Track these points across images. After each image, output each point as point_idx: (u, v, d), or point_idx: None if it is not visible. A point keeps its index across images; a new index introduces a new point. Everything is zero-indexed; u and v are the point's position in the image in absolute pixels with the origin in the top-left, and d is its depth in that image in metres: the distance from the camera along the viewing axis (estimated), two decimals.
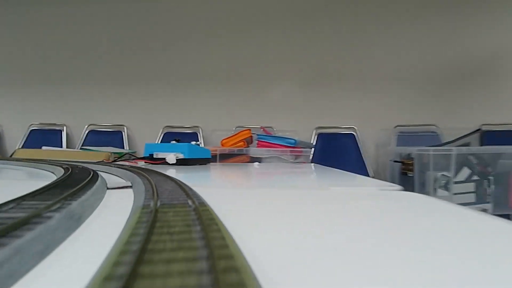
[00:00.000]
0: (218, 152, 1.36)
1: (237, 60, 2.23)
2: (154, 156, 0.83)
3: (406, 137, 2.07)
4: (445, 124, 2.06)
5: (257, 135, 1.68)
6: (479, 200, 1.51)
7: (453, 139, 1.65)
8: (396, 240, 0.22)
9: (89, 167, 0.52)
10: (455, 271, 0.16)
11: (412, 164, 1.60)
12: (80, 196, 0.24)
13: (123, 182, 0.40)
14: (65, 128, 2.22)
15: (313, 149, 2.07)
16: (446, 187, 1.49)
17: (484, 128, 2.08)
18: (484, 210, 1.52)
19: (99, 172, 0.43)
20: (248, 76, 2.23)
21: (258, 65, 2.23)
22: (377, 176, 2.10)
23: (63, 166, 0.53)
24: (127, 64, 2.26)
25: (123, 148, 2.12)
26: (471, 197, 1.51)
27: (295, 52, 2.21)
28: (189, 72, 2.25)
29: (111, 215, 0.26)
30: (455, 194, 1.49)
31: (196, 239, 0.15)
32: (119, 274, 0.10)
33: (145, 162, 0.84)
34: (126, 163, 0.85)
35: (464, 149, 1.50)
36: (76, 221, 0.21)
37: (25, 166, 0.73)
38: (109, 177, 0.48)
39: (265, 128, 2.09)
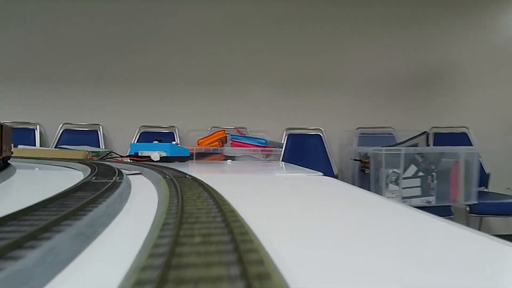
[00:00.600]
0: (194, 151, 1.49)
1: (212, 64, 2.35)
2: (139, 154, 0.95)
3: (366, 138, 2.31)
4: (400, 126, 2.32)
5: (231, 135, 1.83)
6: (424, 193, 1.76)
7: (404, 140, 1.90)
8: (296, 198, 0.38)
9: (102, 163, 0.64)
10: (323, 222, 0.32)
11: (368, 162, 1.83)
12: (122, 180, 0.38)
13: (133, 171, 0.54)
14: (38, 127, 2.23)
15: (282, 148, 2.24)
16: (396, 182, 1.72)
17: (434, 130, 2.37)
18: (428, 202, 1.77)
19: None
20: (222, 80, 2.36)
21: (232, 69, 2.37)
22: (341, 173, 2.32)
23: (87, 164, 0.63)
24: (103, 64, 2.31)
25: (99, 147, 2.18)
26: (417, 191, 1.75)
27: (267, 58, 2.37)
28: (165, 74, 2.34)
29: (143, 188, 0.40)
30: (404, 188, 1.73)
31: (197, 186, 0.29)
32: (173, 211, 0.25)
33: (130, 160, 0.95)
34: (113, 160, 0.96)
35: (411, 149, 1.74)
36: (127, 195, 0.34)
37: (53, 165, 0.80)
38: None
39: (239, 129, 2.24)
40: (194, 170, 0.75)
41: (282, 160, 2.12)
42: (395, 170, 1.72)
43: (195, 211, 0.24)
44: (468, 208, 1.84)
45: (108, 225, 0.25)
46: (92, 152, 1.69)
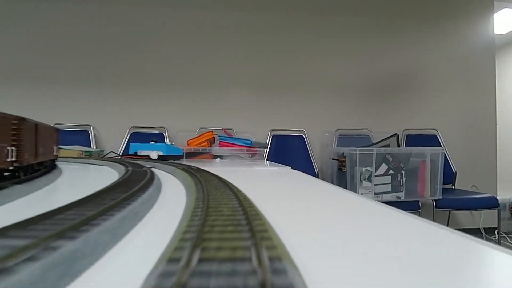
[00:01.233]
0: (185, 151, 1.63)
1: (201, 67, 2.49)
2: (138, 153, 1.08)
3: (344, 139, 2.50)
4: (375, 128, 2.53)
5: (219, 136, 1.98)
6: (394, 189, 1.96)
7: (377, 141, 2.10)
8: (263, 179, 0.54)
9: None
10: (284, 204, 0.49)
11: (345, 161, 2.01)
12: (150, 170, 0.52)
13: (148, 165, 0.68)
14: None
15: (267, 148, 2.41)
16: (369, 179, 1.92)
17: (406, 132, 2.59)
18: (398, 198, 1.98)
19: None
20: (211, 82, 2.50)
21: (220, 73, 2.51)
22: (321, 171, 2.50)
23: (121, 163, 0.75)
24: (94, 65, 2.41)
25: (91, 147, 2.28)
26: (388, 187, 1.95)
27: (253, 62, 2.53)
28: (155, 76, 2.46)
29: (163, 174, 0.55)
30: (376, 184, 1.93)
31: (204, 172, 0.45)
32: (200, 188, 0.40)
33: (131, 158, 1.09)
34: (115, 159, 1.09)
35: (382, 150, 1.94)
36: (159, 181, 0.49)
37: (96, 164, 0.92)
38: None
39: (226, 130, 2.39)
40: (194, 165, 0.90)
41: (267, 159, 2.28)
42: (368, 168, 1.91)
43: (209, 181, 0.40)
44: (434, 203, 2.06)
45: (160, 193, 0.40)
46: (85, 151, 1.80)
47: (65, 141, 2.20)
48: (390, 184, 1.95)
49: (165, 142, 2.24)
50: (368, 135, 2.51)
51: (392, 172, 1.95)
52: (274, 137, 2.52)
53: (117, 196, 0.32)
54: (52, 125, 2.40)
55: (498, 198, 2.73)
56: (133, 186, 0.38)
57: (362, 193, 1.93)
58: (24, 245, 0.16)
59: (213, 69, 2.50)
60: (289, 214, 0.34)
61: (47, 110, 2.35)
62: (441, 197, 2.03)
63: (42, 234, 0.18)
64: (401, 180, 1.97)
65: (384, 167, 1.93)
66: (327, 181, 2.41)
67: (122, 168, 0.60)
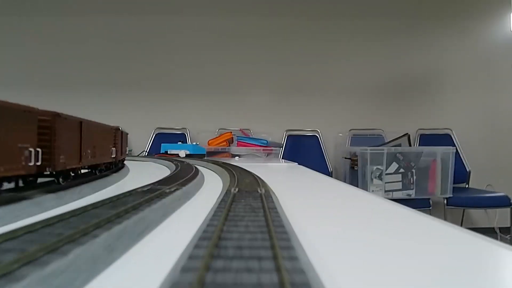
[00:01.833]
0: (206, 150, 1.81)
1: (220, 71, 2.67)
2: (169, 152, 1.26)
3: (358, 138, 2.61)
4: (389, 128, 2.62)
5: (237, 136, 2.15)
6: (404, 187, 2.06)
7: (389, 141, 2.20)
8: (272, 171, 0.70)
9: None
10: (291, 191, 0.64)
11: (357, 160, 2.13)
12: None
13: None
14: None
15: (282, 148, 2.56)
16: (380, 177, 2.03)
17: (420, 132, 2.67)
18: (409, 195, 2.08)
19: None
20: (229, 86, 2.68)
21: (238, 77, 2.68)
22: (335, 170, 2.62)
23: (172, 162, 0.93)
24: (123, 71, 2.64)
25: None
26: (398, 185, 2.06)
27: (269, 67, 2.68)
28: (179, 81, 2.67)
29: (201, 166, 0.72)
30: (387, 182, 2.04)
31: (231, 165, 0.61)
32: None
33: (162, 156, 1.27)
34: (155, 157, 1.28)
35: (392, 149, 2.04)
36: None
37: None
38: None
39: (243, 130, 2.56)
40: (219, 161, 1.08)
41: (282, 158, 2.43)
42: (378, 167, 2.02)
43: (235, 168, 0.56)
44: (445, 201, 2.14)
45: (203, 183, 0.57)
46: None
47: None
48: (401, 182, 2.05)
49: (187, 142, 2.43)
50: (381, 135, 2.61)
51: (403, 170, 2.05)
52: (289, 137, 2.66)
53: (186, 175, 0.49)
54: None
55: None
56: (190, 171, 0.55)
57: (373, 191, 2.04)
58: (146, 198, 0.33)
59: (231, 73, 2.67)
60: (281, 183, 0.50)
61: (78, 114, 2.59)
62: (451, 195, 2.11)
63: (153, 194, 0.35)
64: (411, 178, 2.07)
65: (394, 166, 2.04)
66: (340, 179, 2.55)
67: (172, 164, 0.78)
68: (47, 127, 0.39)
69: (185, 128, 2.64)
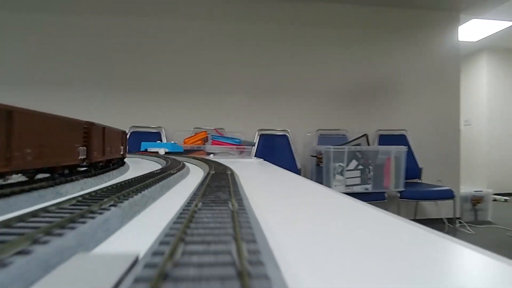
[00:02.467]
0: (183, 148, 1.96)
1: (196, 73, 2.81)
2: (148, 150, 1.40)
3: (325, 138, 2.86)
4: (352, 129, 2.89)
5: (212, 135, 2.31)
6: (363, 182, 2.33)
7: (349, 140, 2.46)
8: (239, 164, 0.89)
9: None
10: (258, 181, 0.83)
11: (322, 158, 2.37)
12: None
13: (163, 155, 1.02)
14: None
15: (255, 146, 2.75)
16: (341, 173, 2.28)
17: (379, 132, 2.97)
18: (366, 189, 2.35)
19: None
20: (205, 86, 2.83)
21: (213, 78, 2.84)
22: (304, 167, 2.86)
23: (159, 158, 1.09)
24: (99, 70, 2.71)
25: None
26: (358, 180, 2.32)
27: (243, 69, 2.87)
28: (154, 81, 2.78)
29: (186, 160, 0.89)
30: (347, 178, 2.29)
31: (208, 159, 0.79)
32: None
33: (143, 154, 1.41)
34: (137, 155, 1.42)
35: (353, 148, 2.30)
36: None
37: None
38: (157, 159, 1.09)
39: (218, 129, 2.72)
40: (198, 157, 1.24)
41: (255, 156, 2.63)
42: (340, 164, 2.27)
43: (212, 162, 0.74)
44: (398, 194, 2.44)
45: (190, 171, 0.74)
46: None
47: None
48: (360, 178, 2.32)
49: (162, 141, 2.56)
50: (345, 135, 2.88)
51: (361, 167, 2.31)
52: (262, 136, 2.86)
53: (177, 166, 0.66)
54: None
55: (461, 191, 3.15)
56: (179, 164, 0.72)
57: (335, 185, 2.29)
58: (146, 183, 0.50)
59: (207, 74, 2.83)
60: (242, 169, 0.68)
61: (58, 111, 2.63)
62: (404, 189, 2.40)
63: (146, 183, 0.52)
64: (369, 174, 2.34)
65: (354, 163, 2.30)
66: (308, 176, 2.80)
67: (160, 160, 0.94)
68: (87, 132, 0.57)
69: (161, 127, 2.76)
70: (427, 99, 3.08)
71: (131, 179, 0.48)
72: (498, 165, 4.27)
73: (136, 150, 1.66)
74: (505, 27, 3.60)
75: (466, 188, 3.24)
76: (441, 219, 2.99)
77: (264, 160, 1.81)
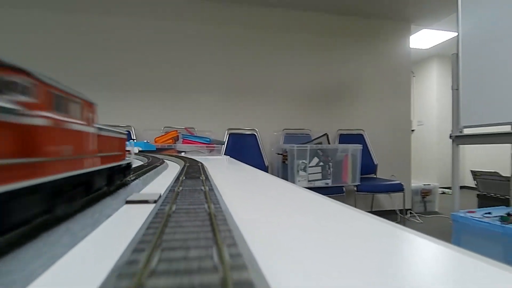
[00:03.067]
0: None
1: (166, 72, 2.91)
2: None
3: (290, 137, 3.08)
4: (316, 128, 3.14)
5: (182, 134, 2.44)
6: (323, 177, 2.57)
7: (312, 139, 2.70)
8: (209, 160, 1.06)
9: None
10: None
11: (287, 156, 2.58)
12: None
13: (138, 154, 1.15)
14: None
15: (224, 145, 2.91)
16: (304, 169, 2.51)
17: (339, 132, 3.24)
18: (327, 184, 2.59)
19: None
20: (175, 86, 2.94)
21: (184, 78, 2.95)
22: (271, 165, 3.06)
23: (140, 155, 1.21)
24: (69, 68, 2.72)
25: None
26: (319, 176, 2.56)
27: (213, 70, 3.01)
28: (124, 79, 2.84)
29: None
30: (310, 173, 2.52)
31: (182, 156, 0.95)
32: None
33: None
34: None
35: (314, 146, 2.53)
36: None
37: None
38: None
39: (188, 129, 2.85)
40: (172, 155, 1.38)
41: (225, 154, 2.78)
42: (303, 161, 2.50)
43: (187, 159, 0.89)
44: (355, 188, 2.71)
45: (170, 164, 0.89)
46: None
47: None
48: (321, 173, 2.56)
49: (131, 140, 2.64)
50: (309, 134, 3.12)
51: (322, 164, 2.56)
52: (231, 135, 3.03)
53: (158, 161, 0.81)
54: None
55: (412, 185, 3.51)
56: (159, 160, 0.87)
57: (299, 181, 2.51)
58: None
59: (177, 74, 2.94)
60: (209, 162, 0.85)
61: None
62: (360, 183, 2.68)
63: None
64: (329, 170, 2.59)
65: (316, 160, 2.54)
66: (274, 173, 3.00)
67: (141, 157, 1.07)
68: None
69: (130, 126, 2.83)
70: (382, 102, 3.41)
71: (133, 168, 0.64)
72: (446, 161, 4.76)
73: None
74: (451, 36, 4.05)
75: (417, 182, 3.62)
76: (394, 210, 3.33)
77: (234, 158, 1.98)
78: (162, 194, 0.34)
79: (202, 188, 0.37)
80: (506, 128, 2.21)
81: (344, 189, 2.68)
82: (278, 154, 2.76)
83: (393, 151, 3.42)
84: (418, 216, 3.41)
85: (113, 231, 0.26)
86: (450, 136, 2.19)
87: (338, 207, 0.38)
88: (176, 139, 2.41)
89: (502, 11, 1.98)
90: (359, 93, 3.35)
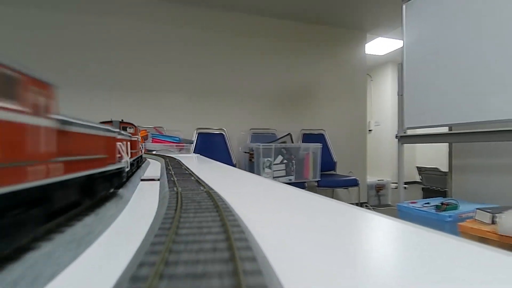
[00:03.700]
0: None
1: (136, 71, 2.96)
2: None
3: (257, 136, 3.27)
4: (281, 128, 3.36)
5: (152, 134, 2.52)
6: (287, 174, 2.78)
7: (276, 138, 2.90)
8: (184, 157, 1.20)
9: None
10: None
11: (253, 154, 2.76)
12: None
13: None
14: None
15: (193, 144, 3.02)
16: (269, 167, 2.70)
17: (303, 132, 3.49)
18: (290, 180, 2.81)
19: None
20: (144, 85, 3.00)
21: (153, 78, 3.02)
22: (238, 163, 3.23)
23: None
24: (36, 66, 2.68)
25: None
26: (283, 172, 2.76)
27: (182, 71, 3.11)
28: (92, 78, 2.85)
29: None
30: (274, 170, 2.72)
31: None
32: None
33: None
34: None
35: (278, 145, 2.74)
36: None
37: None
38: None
39: (157, 128, 2.92)
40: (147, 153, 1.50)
41: (194, 153, 2.90)
42: (268, 159, 2.69)
43: (165, 157, 1.03)
44: (316, 184, 2.96)
45: (152, 161, 1.02)
46: None
47: None
48: (285, 170, 2.77)
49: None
50: (274, 134, 3.33)
51: (286, 161, 2.77)
52: (200, 134, 3.15)
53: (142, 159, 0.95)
54: None
55: (368, 180, 3.84)
56: (140, 157, 1.00)
57: (264, 177, 2.70)
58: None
59: (146, 74, 3.00)
60: (185, 159, 1.00)
61: None
62: (320, 179, 2.93)
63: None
64: (292, 167, 2.80)
65: (280, 158, 2.74)
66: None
67: None
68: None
69: None
70: (341, 104, 3.70)
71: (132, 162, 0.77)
72: None
73: None
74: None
75: (373, 178, 3.97)
76: (352, 203, 3.63)
77: (197, 154, 2.12)
78: (159, 178, 0.48)
79: (187, 172, 0.52)
80: (444, 129, 2.56)
81: (306, 184, 2.91)
82: (245, 152, 2.93)
83: (351, 149, 3.73)
84: (373, 208, 3.75)
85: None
86: (396, 136, 2.49)
87: (302, 193, 0.55)
88: (145, 138, 2.49)
89: (439, 26, 2.30)
90: (320, 95, 3.62)
